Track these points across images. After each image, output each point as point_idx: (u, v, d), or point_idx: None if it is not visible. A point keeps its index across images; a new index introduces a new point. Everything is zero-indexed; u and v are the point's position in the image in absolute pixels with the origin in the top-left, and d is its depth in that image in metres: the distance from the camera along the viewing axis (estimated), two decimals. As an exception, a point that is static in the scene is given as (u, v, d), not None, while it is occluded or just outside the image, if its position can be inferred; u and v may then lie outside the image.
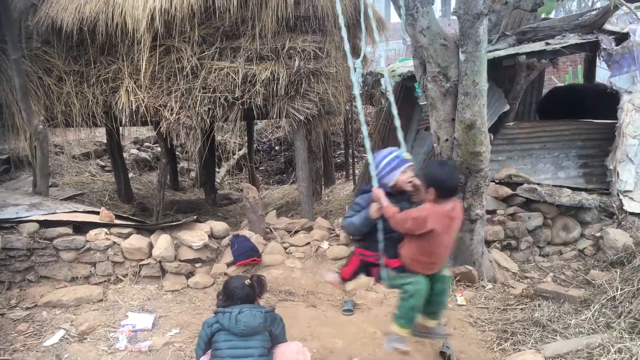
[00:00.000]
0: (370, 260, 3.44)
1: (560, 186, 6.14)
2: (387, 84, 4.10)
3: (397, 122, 3.59)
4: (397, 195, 3.33)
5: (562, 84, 12.36)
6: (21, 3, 6.61)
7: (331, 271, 4.67)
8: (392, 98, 3.87)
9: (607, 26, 6.67)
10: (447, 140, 4.93)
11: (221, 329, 3.37)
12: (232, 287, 3.54)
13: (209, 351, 3.47)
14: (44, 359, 4.06)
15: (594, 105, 7.41)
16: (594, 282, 5.01)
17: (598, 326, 4.12)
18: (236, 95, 6.52)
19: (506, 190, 6.02)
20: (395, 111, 3.66)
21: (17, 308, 4.86)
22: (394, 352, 3.38)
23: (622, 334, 3.87)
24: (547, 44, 6.49)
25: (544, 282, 5.29)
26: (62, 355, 4.09)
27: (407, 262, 3.26)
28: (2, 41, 6.52)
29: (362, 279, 3.77)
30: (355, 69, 3.67)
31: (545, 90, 9.15)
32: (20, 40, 6.43)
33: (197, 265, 5.50)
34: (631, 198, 6.18)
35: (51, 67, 6.82)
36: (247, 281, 3.54)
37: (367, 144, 3.40)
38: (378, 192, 3.23)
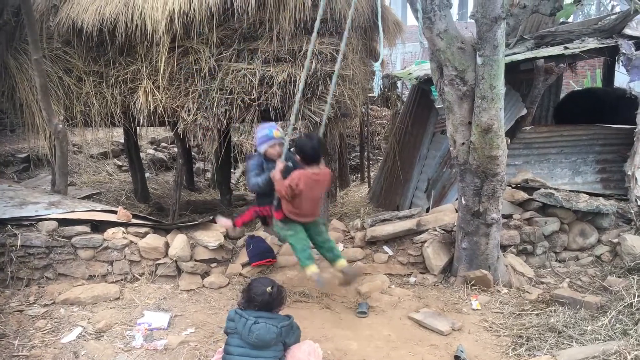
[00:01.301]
0: (264, 214, 4.75)
1: (578, 191, 6.10)
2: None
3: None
4: (270, 161, 4.53)
5: (580, 88, 12.26)
6: (43, 4, 6.72)
7: (224, 218, 5.42)
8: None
9: (627, 31, 6.62)
10: (463, 143, 4.92)
11: (235, 332, 3.40)
12: (252, 292, 3.53)
13: (220, 350, 3.51)
14: (62, 355, 4.11)
15: (613, 109, 7.35)
16: (610, 288, 4.97)
17: (614, 333, 4.08)
18: (253, 97, 6.55)
19: (522, 195, 5.99)
20: None
21: (36, 305, 4.93)
22: (323, 285, 4.63)
23: (638, 340, 3.83)
24: (566, 47, 6.45)
25: (560, 287, 5.25)
26: (79, 352, 4.13)
27: (286, 212, 4.48)
28: (24, 41, 6.64)
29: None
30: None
31: (563, 95, 9.10)
32: (42, 41, 6.52)
33: (213, 265, 5.54)
34: (649, 204, 6.12)
35: (71, 68, 6.91)
36: (269, 289, 3.50)
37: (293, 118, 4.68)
38: (281, 165, 4.36)
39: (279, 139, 4.53)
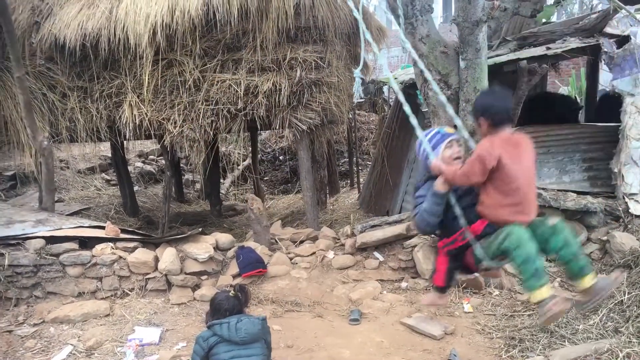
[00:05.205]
0: (458, 244, 3.05)
1: (565, 190, 6.12)
2: (396, 88, 3.52)
3: (413, 121, 3.15)
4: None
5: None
6: (24, 21, 6.69)
7: (425, 297, 4.00)
8: (402, 98, 3.35)
9: (608, 29, 6.66)
10: (449, 147, 4.93)
11: (220, 341, 3.38)
12: (217, 301, 3.56)
13: None
14: (52, 375, 4.07)
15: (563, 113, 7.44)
16: (601, 286, 4.98)
17: (606, 331, 4.10)
18: (239, 107, 6.55)
19: (511, 196, 5.99)
20: (407, 108, 3.20)
21: (25, 324, 4.87)
22: (557, 312, 2.71)
23: (630, 338, 3.84)
24: (548, 48, 6.48)
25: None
26: (70, 371, 4.10)
27: (493, 213, 2.89)
28: (7, 59, 6.59)
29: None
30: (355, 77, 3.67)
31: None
32: (24, 58, 6.49)
33: (203, 277, 5.51)
34: (637, 201, 6.14)
35: (55, 84, 6.88)
36: (232, 293, 3.56)
37: (414, 121, 3.15)
38: (436, 162, 2.99)
39: (453, 134, 3.15)
